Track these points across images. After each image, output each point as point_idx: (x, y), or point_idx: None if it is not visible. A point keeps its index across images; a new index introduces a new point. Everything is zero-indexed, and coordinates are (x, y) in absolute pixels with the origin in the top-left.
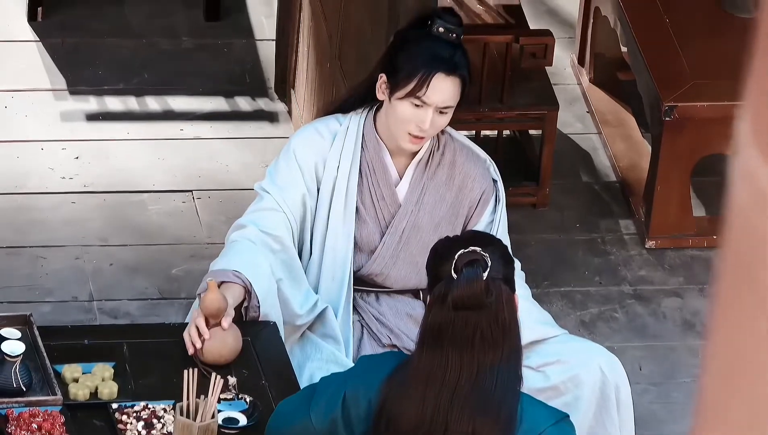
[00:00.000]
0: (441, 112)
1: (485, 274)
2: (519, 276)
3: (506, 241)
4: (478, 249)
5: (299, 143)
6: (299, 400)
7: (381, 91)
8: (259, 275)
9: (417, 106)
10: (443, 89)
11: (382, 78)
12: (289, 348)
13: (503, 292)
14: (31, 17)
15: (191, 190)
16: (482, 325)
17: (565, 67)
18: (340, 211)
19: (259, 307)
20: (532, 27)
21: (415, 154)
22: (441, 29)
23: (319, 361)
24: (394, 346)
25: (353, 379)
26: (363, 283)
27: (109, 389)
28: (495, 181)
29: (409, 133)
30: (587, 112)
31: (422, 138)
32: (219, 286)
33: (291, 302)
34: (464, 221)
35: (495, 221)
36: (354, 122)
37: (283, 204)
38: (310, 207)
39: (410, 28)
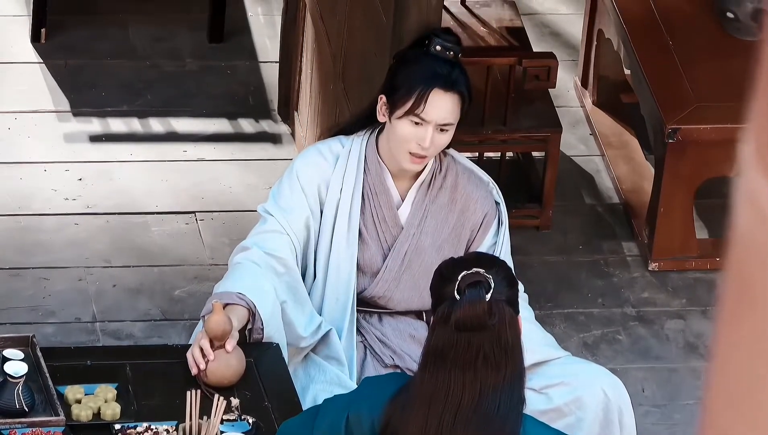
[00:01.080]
0: (441, 130)
1: (488, 296)
2: (522, 298)
3: (509, 263)
4: (481, 270)
5: (302, 165)
6: (302, 422)
7: (381, 113)
8: (263, 297)
9: (417, 124)
10: (441, 106)
11: (382, 99)
12: (293, 370)
13: (506, 313)
14: (35, 38)
15: (194, 212)
16: (485, 347)
17: (568, 89)
18: (343, 234)
19: (263, 329)
20: (535, 49)
21: (417, 176)
22: (438, 48)
23: (323, 383)
24: (397, 366)
25: (356, 401)
26: (366, 305)
27: (111, 410)
28: (497, 204)
29: (410, 153)
30: (590, 134)
31: (423, 157)
32: (223, 308)
33: (295, 324)
34: (466, 244)
35: (498, 243)
36: (356, 144)
37: (287, 226)
38: (314, 229)
39: (409, 48)
